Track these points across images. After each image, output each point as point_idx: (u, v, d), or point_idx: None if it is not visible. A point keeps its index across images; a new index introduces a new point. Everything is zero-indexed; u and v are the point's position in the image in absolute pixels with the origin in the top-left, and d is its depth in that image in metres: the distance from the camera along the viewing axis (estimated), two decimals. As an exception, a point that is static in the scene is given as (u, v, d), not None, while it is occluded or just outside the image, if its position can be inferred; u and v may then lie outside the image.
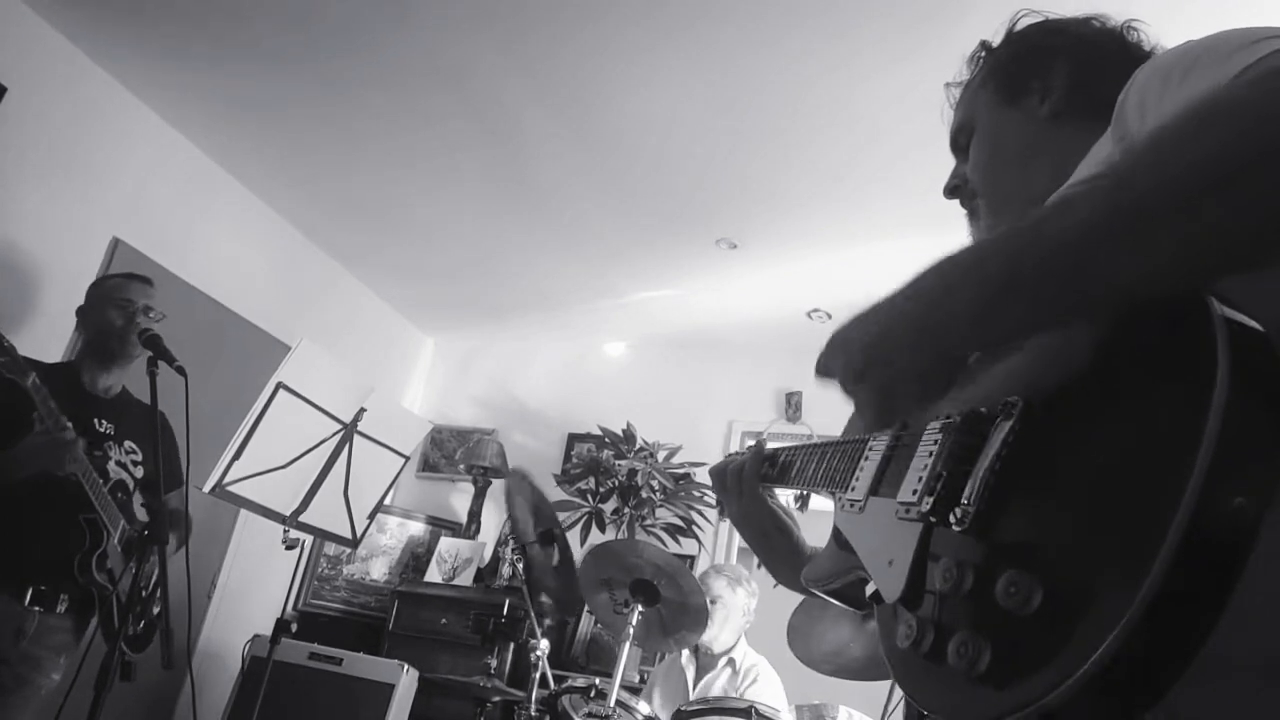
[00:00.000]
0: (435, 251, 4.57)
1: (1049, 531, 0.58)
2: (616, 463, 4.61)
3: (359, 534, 2.91)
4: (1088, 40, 0.98)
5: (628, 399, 5.02)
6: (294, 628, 2.85)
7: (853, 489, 0.89)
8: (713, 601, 3.19)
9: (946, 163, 1.09)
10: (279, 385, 2.51)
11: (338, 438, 2.74)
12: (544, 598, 3.10)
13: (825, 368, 0.77)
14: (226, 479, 2.45)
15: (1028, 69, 0.98)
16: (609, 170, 3.61)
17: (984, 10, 1.16)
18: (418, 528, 5.11)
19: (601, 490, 4.67)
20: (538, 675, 2.84)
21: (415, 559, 4.99)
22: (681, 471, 4.63)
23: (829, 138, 3.15)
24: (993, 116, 1.00)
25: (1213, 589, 0.47)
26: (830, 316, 4.35)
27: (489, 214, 4.11)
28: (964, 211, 1.06)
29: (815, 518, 1.25)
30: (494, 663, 3.25)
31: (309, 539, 2.81)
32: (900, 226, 3.49)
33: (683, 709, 2.72)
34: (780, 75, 2.89)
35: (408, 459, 3.02)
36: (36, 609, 2.30)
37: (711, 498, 4.20)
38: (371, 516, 2.95)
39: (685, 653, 3.36)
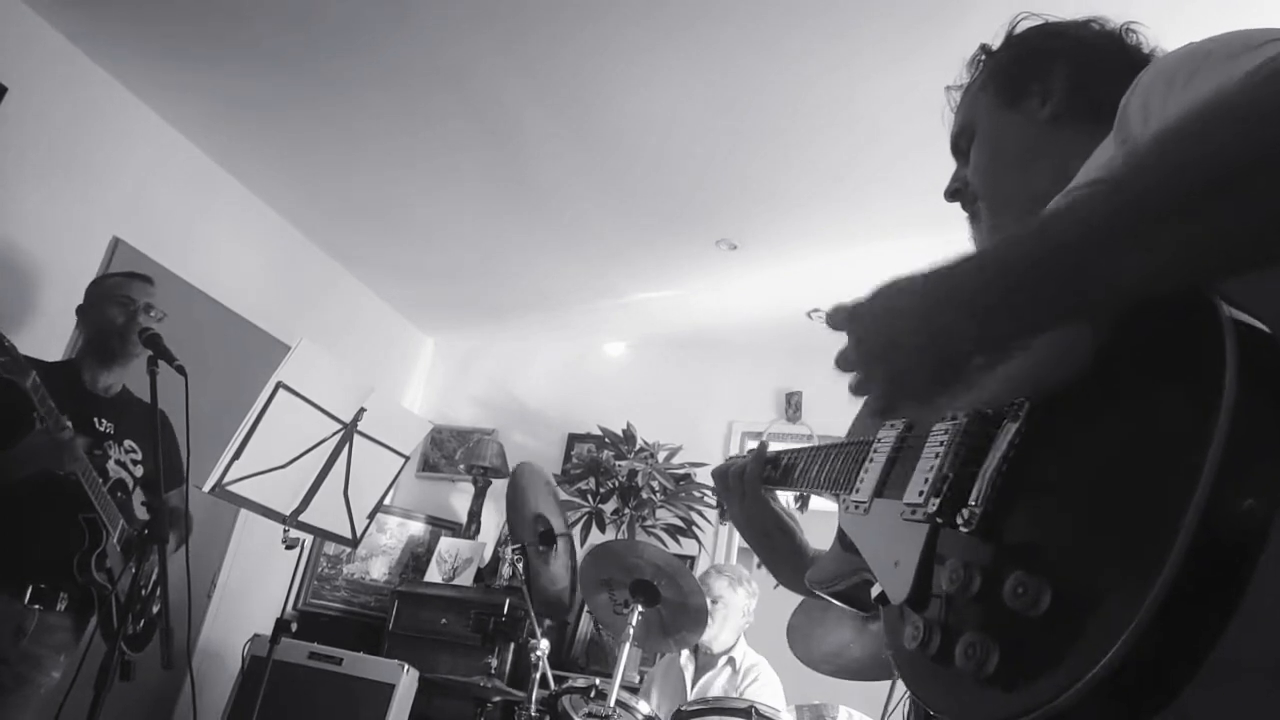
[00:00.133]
0: (435, 251, 4.57)
1: (1057, 533, 0.58)
2: (616, 463, 4.61)
3: (359, 534, 2.91)
4: (1087, 43, 0.98)
5: (628, 399, 5.02)
6: (294, 627, 2.85)
7: (858, 490, 0.89)
8: (714, 601, 3.20)
9: (947, 163, 1.09)
10: (279, 385, 2.51)
11: (338, 437, 2.74)
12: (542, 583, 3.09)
13: (841, 326, 0.75)
14: (226, 478, 2.45)
15: (1028, 72, 0.98)
16: (609, 170, 3.61)
17: (984, 11, 1.16)
18: (418, 528, 5.10)
19: (601, 491, 4.67)
20: (538, 675, 2.84)
21: (415, 559, 4.99)
22: (682, 472, 4.63)
23: (829, 138, 3.15)
24: (993, 119, 1.00)
25: (1223, 591, 0.47)
26: (830, 317, 4.35)
27: (489, 214, 4.10)
28: (965, 213, 1.06)
29: (816, 518, 1.25)
30: (494, 663, 3.25)
31: (309, 539, 2.80)
32: (900, 227, 3.49)
33: (683, 709, 2.72)
34: (780, 75, 2.89)
35: (408, 459, 3.01)
36: (36, 607, 2.30)
37: (711, 498, 4.20)
38: (371, 516, 2.95)
39: (684, 652, 3.36)
